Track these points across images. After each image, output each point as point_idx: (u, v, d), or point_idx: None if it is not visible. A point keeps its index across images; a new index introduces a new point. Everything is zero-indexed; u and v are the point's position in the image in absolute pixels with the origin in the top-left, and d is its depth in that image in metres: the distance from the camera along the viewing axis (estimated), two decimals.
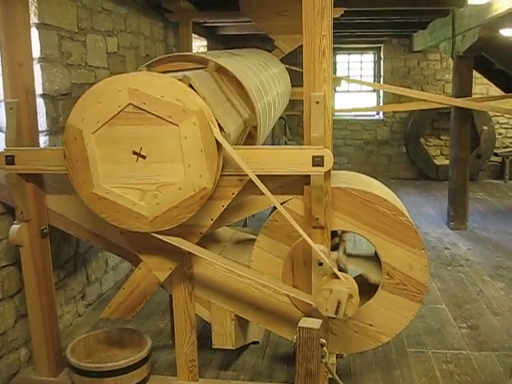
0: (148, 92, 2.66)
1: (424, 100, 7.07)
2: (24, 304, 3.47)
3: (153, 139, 2.72)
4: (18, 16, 3.06)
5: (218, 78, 3.42)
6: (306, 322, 2.37)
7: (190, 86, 2.78)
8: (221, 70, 3.46)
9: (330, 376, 2.97)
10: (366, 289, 3.18)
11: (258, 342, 4.00)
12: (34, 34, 3.75)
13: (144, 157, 2.75)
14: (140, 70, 3.40)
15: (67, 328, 4.27)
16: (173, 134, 2.69)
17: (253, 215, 3.52)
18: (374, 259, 3.32)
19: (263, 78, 4.37)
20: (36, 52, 3.76)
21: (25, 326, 3.61)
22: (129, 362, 3.18)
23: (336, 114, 9.97)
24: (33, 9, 3.73)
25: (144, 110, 2.68)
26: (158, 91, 2.66)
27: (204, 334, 3.79)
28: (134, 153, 2.75)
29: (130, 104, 2.69)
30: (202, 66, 3.42)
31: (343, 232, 3.35)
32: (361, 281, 3.42)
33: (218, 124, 2.80)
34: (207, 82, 3.19)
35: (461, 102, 6.69)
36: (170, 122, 2.67)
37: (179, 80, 2.75)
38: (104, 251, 4.79)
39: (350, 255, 3.41)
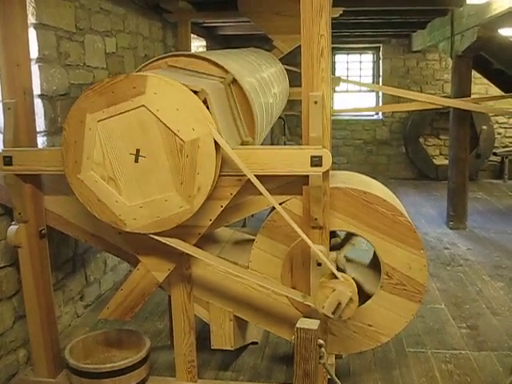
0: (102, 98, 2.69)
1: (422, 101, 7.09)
2: (22, 305, 3.46)
3: (137, 133, 2.72)
4: (15, 16, 3.05)
5: (230, 93, 3.40)
6: (304, 323, 2.36)
7: (205, 100, 2.80)
8: (234, 83, 3.42)
9: (328, 377, 2.97)
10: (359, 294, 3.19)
11: (257, 343, 3.99)
12: (32, 34, 3.74)
13: (143, 155, 2.74)
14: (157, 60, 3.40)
15: (66, 329, 4.26)
16: (146, 115, 2.69)
17: (252, 215, 3.51)
18: (372, 267, 3.32)
19: (261, 77, 4.36)
20: (34, 52, 3.76)
21: (23, 327, 3.60)
22: (127, 362, 3.17)
23: (335, 114, 9.98)
24: (30, 9, 3.73)
25: (111, 116, 2.71)
26: (175, 104, 2.67)
27: (203, 334, 3.78)
28: (132, 154, 2.75)
29: (98, 122, 2.72)
30: (217, 75, 3.42)
31: (353, 234, 3.32)
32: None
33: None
34: (220, 99, 3.18)
35: (458, 103, 6.68)
36: (136, 108, 2.68)
37: (196, 92, 2.77)
38: (103, 252, 4.77)
39: (348, 259, 3.41)
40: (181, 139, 2.68)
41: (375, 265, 3.21)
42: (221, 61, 3.46)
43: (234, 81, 3.35)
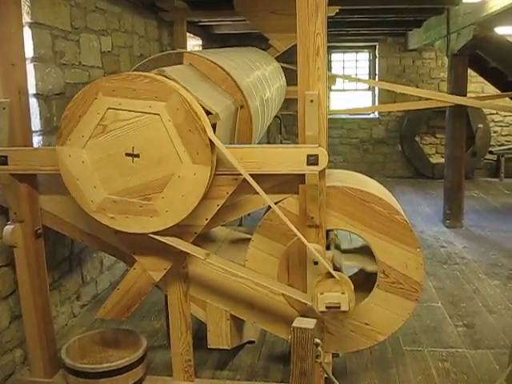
0: (122, 91, 2.71)
1: (420, 98, 7.10)
2: (18, 305, 3.45)
3: (141, 135, 2.73)
4: (10, 16, 3.04)
5: (195, 69, 3.46)
6: (301, 322, 2.36)
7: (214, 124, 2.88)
8: (198, 61, 3.53)
9: (325, 375, 2.97)
10: (365, 284, 3.20)
11: (254, 342, 3.99)
12: (27, 33, 3.73)
13: (137, 155, 2.74)
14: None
15: (62, 329, 4.26)
16: (157, 123, 2.71)
17: (248, 214, 3.51)
18: (367, 250, 3.31)
19: (257, 76, 4.35)
20: (29, 52, 3.75)
21: (19, 327, 3.59)
22: (124, 362, 3.16)
23: (331, 112, 9.98)
24: (25, 8, 3.71)
25: (124, 110, 2.72)
26: (131, 86, 2.69)
27: (200, 333, 3.77)
28: (128, 154, 2.76)
29: (108, 109, 2.73)
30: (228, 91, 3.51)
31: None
32: (358, 278, 3.44)
33: (204, 108, 2.82)
34: (227, 122, 3.22)
35: (459, 100, 6.69)
36: (151, 113, 2.69)
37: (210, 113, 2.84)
38: (99, 251, 4.76)
39: (344, 251, 3.41)
40: (181, 159, 2.70)
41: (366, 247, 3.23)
42: (233, 73, 3.54)
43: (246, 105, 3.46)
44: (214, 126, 2.87)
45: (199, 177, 2.72)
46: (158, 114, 2.68)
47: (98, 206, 2.84)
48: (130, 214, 2.83)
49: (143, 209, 2.80)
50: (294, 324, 2.35)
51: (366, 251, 3.32)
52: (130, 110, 2.70)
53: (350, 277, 2.93)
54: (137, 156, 2.74)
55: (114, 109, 2.72)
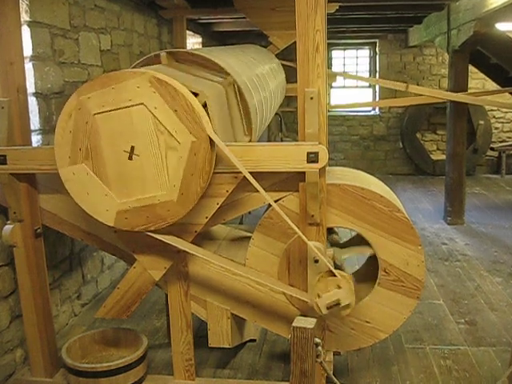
0: (100, 94, 2.69)
1: (420, 94, 7.08)
2: (19, 305, 3.44)
3: (132, 130, 2.71)
4: (8, 14, 3.02)
5: (178, 65, 3.45)
6: (300, 322, 2.33)
7: (205, 105, 2.82)
8: (181, 58, 3.49)
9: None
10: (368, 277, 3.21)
11: (255, 340, 3.98)
12: (26, 32, 3.72)
13: (136, 152, 2.72)
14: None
15: (63, 328, 4.25)
16: (143, 113, 2.68)
17: (249, 212, 3.50)
18: (360, 239, 3.30)
19: (257, 73, 4.34)
20: (28, 50, 3.73)
21: (20, 327, 3.58)
22: (124, 362, 3.15)
23: (332, 109, 9.96)
24: (24, 7, 3.70)
25: (108, 111, 2.71)
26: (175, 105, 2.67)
27: (200, 332, 3.77)
28: (126, 152, 2.74)
29: (95, 115, 2.72)
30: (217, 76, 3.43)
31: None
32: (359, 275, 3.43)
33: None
34: (219, 101, 3.18)
35: (459, 97, 6.67)
36: (135, 105, 2.68)
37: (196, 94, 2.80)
38: (99, 250, 4.75)
39: (342, 246, 3.40)
40: (177, 141, 2.67)
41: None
42: (221, 61, 3.47)
43: (234, 82, 3.36)
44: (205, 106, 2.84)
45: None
46: (142, 103, 2.66)
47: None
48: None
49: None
50: (294, 324, 2.33)
51: (358, 240, 3.31)
52: (116, 109, 2.69)
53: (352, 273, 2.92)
54: (135, 153, 2.73)
55: (99, 113, 2.70)
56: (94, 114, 2.71)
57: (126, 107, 2.68)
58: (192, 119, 2.65)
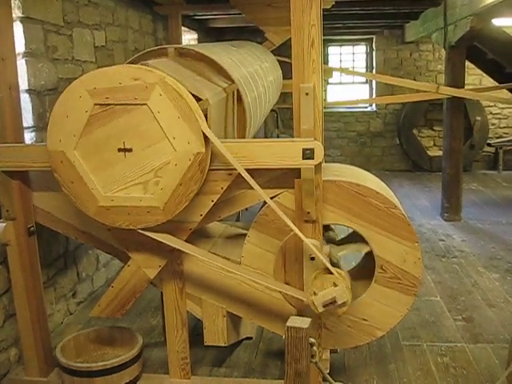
0: (106, 85, 2.63)
1: (417, 90, 7.05)
2: (12, 303, 3.41)
3: (131, 129, 2.68)
4: (0, 10, 2.98)
5: (183, 60, 3.45)
6: (295, 321, 2.29)
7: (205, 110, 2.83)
8: (186, 54, 3.51)
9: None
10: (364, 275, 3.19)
11: (251, 338, 3.96)
12: (19, 28, 3.68)
13: (130, 150, 2.70)
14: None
15: (58, 327, 4.22)
16: (145, 114, 2.65)
17: (246, 209, 3.48)
18: (356, 236, 3.28)
19: (252, 70, 4.31)
20: (21, 47, 3.70)
21: (14, 326, 3.55)
22: (119, 361, 3.13)
23: (328, 106, 9.94)
24: (16, 3, 3.66)
25: (111, 104, 2.65)
26: (115, 80, 2.62)
27: (196, 330, 3.74)
28: (120, 150, 2.71)
29: (95, 105, 2.66)
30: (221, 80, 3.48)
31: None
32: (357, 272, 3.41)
33: (192, 94, 2.76)
34: (219, 108, 3.17)
35: (460, 92, 6.64)
36: (138, 104, 2.63)
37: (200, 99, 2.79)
38: (95, 248, 4.72)
39: (339, 243, 3.38)
40: (143, 104, 2.64)
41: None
42: (225, 64, 3.51)
43: (236, 90, 3.41)
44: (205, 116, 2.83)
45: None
46: (146, 104, 2.63)
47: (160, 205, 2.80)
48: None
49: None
50: (288, 323, 2.29)
51: (355, 237, 3.28)
52: (117, 104, 2.66)
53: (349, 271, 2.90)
54: (129, 150, 2.70)
55: (100, 104, 2.67)
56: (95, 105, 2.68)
57: (129, 104, 2.65)
58: (192, 127, 2.64)
